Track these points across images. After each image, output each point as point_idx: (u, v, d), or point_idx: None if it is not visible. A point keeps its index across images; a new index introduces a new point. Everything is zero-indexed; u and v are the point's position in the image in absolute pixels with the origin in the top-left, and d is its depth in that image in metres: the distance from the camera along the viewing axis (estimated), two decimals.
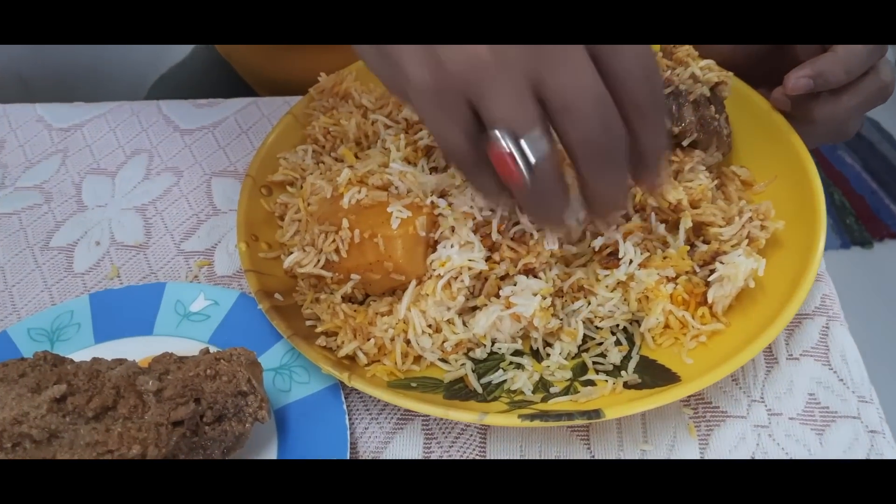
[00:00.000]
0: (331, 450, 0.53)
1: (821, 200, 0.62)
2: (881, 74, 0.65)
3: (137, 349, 0.61)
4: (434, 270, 0.58)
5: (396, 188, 0.60)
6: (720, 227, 0.61)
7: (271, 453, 0.54)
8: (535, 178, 0.45)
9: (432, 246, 0.59)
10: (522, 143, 0.44)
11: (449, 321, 0.59)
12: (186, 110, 0.82)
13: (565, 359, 0.59)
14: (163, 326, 0.62)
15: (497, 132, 0.44)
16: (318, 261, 0.60)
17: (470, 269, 0.57)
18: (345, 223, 0.58)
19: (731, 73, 0.66)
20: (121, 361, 0.54)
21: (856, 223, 2.06)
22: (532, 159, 0.44)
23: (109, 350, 0.61)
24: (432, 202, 0.58)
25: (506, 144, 0.44)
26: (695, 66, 0.65)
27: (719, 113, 0.65)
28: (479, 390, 0.57)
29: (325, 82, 0.74)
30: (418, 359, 0.59)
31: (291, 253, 0.62)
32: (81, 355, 0.60)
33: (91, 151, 0.79)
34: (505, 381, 0.58)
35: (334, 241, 0.58)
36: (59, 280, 0.68)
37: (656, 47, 0.68)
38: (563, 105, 0.43)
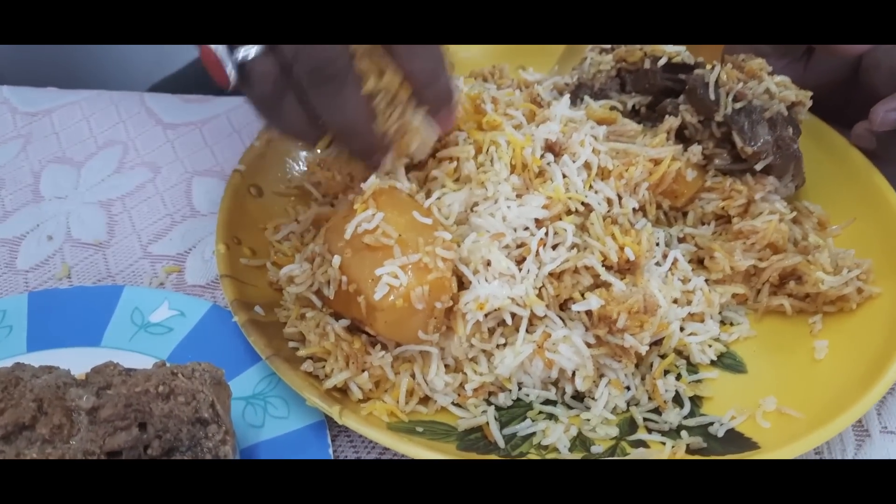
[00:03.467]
0: None
1: None
2: None
3: (78, 363, 0.48)
4: (467, 313, 0.47)
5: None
6: (827, 273, 0.50)
7: None
8: (248, 80, 0.44)
9: (449, 305, 0.46)
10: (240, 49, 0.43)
11: (473, 359, 0.48)
12: (173, 104, 0.72)
13: (611, 412, 0.47)
14: (114, 337, 0.51)
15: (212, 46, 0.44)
16: (313, 284, 0.48)
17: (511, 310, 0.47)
18: (336, 261, 0.46)
19: (809, 93, 0.56)
20: (51, 369, 0.42)
21: None
22: (240, 57, 0.43)
23: (42, 361, 0.49)
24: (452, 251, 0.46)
25: (214, 49, 0.44)
26: (769, 81, 0.55)
27: (797, 136, 0.56)
28: (502, 444, 0.45)
29: None
30: (427, 399, 0.48)
31: (273, 263, 0.51)
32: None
33: (58, 139, 0.69)
34: (534, 433, 0.46)
35: (326, 273, 0.47)
36: None
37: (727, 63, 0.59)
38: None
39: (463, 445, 0.45)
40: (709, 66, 0.57)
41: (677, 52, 0.59)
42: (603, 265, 0.48)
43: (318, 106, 0.44)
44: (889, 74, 0.58)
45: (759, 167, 0.54)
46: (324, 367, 0.47)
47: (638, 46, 0.60)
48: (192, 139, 0.68)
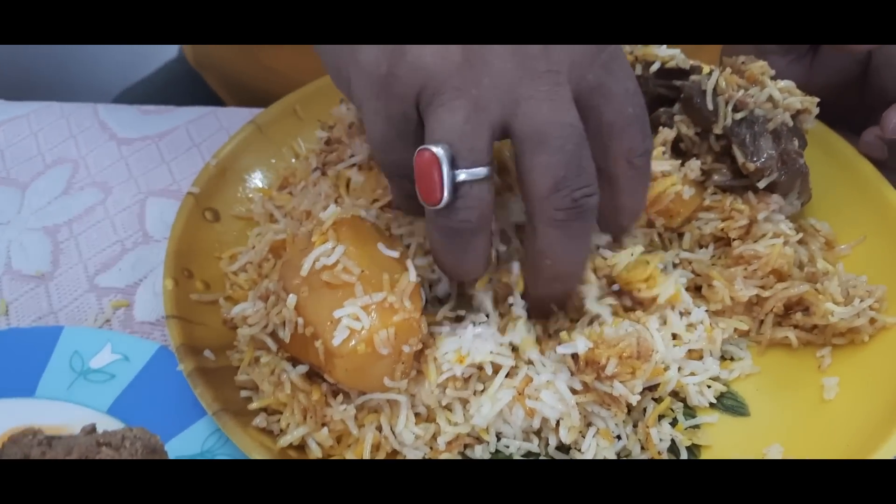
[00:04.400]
0: None
1: None
2: None
3: (10, 417, 0.44)
4: (444, 363, 0.42)
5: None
6: (837, 303, 0.46)
7: None
8: (457, 200, 0.37)
9: (419, 349, 0.42)
10: (460, 171, 0.37)
11: (447, 406, 0.43)
12: (129, 116, 0.67)
13: None
14: (50, 387, 0.46)
15: (434, 146, 0.37)
16: (268, 325, 0.44)
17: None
18: (291, 301, 0.41)
19: (815, 100, 0.51)
20: None
21: None
22: (461, 178, 0.37)
23: None
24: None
25: (438, 154, 0.36)
26: (773, 88, 0.50)
27: (802, 149, 0.51)
28: None
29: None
30: (395, 454, 0.43)
31: (227, 298, 0.47)
32: None
33: (2, 157, 0.64)
34: None
35: (281, 313, 0.42)
36: None
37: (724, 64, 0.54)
38: (532, 132, 0.37)
39: None
40: (706, 71, 0.52)
41: (671, 55, 0.54)
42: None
43: (551, 251, 0.39)
44: None
45: (762, 185, 0.49)
46: (279, 420, 0.42)
47: (629, 49, 0.55)
48: (148, 155, 0.63)
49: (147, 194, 0.60)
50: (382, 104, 0.38)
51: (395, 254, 0.43)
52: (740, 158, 0.49)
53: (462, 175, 0.36)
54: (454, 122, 0.37)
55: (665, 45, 0.55)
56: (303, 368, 0.43)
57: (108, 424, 0.43)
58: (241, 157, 0.57)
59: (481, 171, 0.37)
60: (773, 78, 0.52)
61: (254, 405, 0.42)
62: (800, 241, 0.52)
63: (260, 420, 0.42)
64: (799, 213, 0.54)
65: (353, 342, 0.40)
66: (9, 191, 0.61)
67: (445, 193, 0.37)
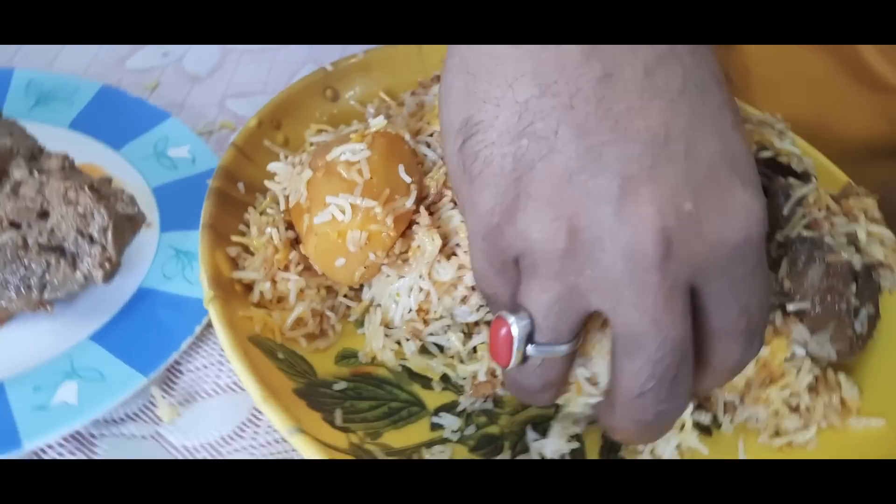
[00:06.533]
0: (146, 362, 0.44)
1: None
2: None
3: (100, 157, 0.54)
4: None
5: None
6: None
7: (88, 328, 0.45)
8: (525, 366, 0.38)
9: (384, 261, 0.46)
10: (533, 347, 0.37)
11: None
12: None
13: None
14: (133, 152, 0.56)
15: (514, 319, 0.36)
16: (287, 187, 0.49)
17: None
18: (306, 174, 0.46)
19: None
20: (27, 137, 0.47)
21: None
22: (532, 352, 0.37)
23: (71, 137, 0.55)
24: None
25: (513, 330, 0.36)
26: (862, 227, 0.46)
27: (862, 300, 0.46)
28: (339, 421, 0.44)
29: None
30: (314, 337, 0.47)
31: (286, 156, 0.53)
32: None
33: None
34: None
35: (296, 181, 0.48)
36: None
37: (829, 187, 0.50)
38: (630, 337, 0.35)
39: (304, 391, 0.44)
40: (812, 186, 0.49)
41: (788, 151, 0.51)
42: None
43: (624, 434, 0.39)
44: None
45: (790, 308, 0.46)
46: (247, 260, 0.48)
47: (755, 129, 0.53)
48: None
49: (308, 61, 0.68)
50: (487, 246, 0.37)
51: (409, 179, 0.47)
52: (782, 272, 0.46)
53: (533, 350, 0.36)
54: (543, 300, 0.35)
55: (791, 141, 0.52)
56: (291, 234, 0.48)
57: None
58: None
59: (559, 350, 0.36)
60: (877, 220, 0.48)
61: (235, 238, 0.49)
62: (814, 390, 0.48)
63: (232, 250, 0.48)
64: (838, 365, 0.49)
65: (330, 228, 0.45)
66: None
67: (512, 362, 0.37)
